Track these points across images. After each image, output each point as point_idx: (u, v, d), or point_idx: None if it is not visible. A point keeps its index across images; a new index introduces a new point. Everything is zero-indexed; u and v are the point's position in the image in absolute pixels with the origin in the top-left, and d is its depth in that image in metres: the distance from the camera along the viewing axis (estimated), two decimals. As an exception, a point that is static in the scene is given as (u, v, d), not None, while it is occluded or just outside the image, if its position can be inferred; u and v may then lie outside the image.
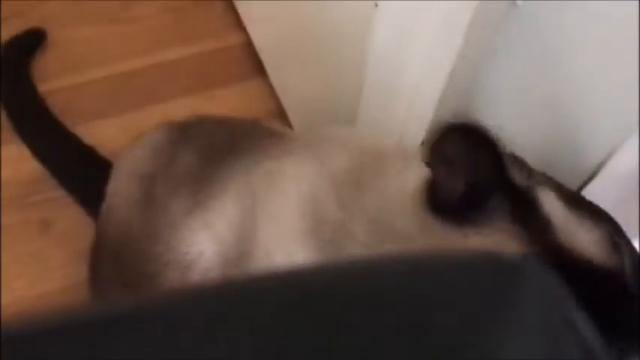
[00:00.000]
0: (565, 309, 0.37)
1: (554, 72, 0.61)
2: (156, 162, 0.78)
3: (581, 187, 0.57)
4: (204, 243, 0.67)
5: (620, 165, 0.54)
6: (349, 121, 0.93)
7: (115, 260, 0.79)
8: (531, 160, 0.66)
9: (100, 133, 1.11)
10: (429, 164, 0.50)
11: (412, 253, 0.48)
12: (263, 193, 0.64)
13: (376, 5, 0.73)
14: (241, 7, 1.26)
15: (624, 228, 0.71)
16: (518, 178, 0.52)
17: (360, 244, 0.55)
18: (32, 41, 1.19)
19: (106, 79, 1.21)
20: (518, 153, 0.68)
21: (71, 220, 1.05)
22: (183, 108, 1.19)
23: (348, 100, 0.91)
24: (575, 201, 0.53)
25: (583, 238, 0.51)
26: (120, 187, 0.81)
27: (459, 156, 0.49)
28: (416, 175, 0.54)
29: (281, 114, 1.20)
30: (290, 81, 1.18)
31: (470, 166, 0.49)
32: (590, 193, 0.56)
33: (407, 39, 0.71)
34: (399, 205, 0.55)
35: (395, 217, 0.55)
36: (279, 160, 0.67)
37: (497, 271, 0.37)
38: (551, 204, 0.52)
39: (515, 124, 0.68)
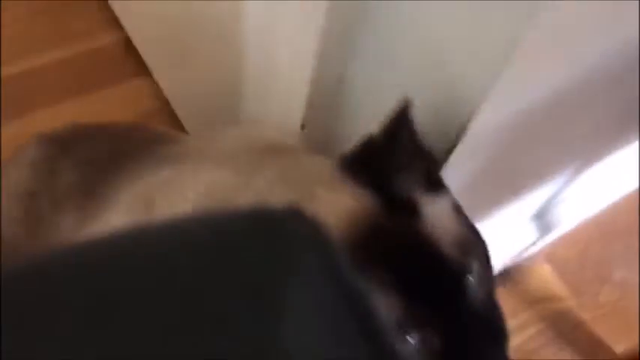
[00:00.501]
0: (344, 277, 0.32)
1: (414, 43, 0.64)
2: (35, 179, 0.75)
3: (446, 155, 0.61)
4: None
5: (475, 134, 0.58)
6: (235, 111, 0.94)
7: None
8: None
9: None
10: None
11: (187, 215, 0.46)
12: (162, 201, 0.63)
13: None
14: (116, 5, 1.24)
15: (487, 193, 0.75)
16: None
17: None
18: None
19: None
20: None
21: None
22: (65, 112, 1.17)
23: (232, 91, 0.92)
24: (458, 208, 0.55)
25: (446, 235, 0.51)
26: None
27: (401, 128, 0.54)
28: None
29: (167, 111, 1.19)
30: (174, 77, 1.17)
31: (404, 141, 0.54)
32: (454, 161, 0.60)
33: (273, 35, 0.73)
34: (316, 173, 0.57)
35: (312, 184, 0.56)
36: (175, 167, 0.66)
37: (269, 231, 0.33)
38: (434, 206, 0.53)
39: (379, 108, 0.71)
